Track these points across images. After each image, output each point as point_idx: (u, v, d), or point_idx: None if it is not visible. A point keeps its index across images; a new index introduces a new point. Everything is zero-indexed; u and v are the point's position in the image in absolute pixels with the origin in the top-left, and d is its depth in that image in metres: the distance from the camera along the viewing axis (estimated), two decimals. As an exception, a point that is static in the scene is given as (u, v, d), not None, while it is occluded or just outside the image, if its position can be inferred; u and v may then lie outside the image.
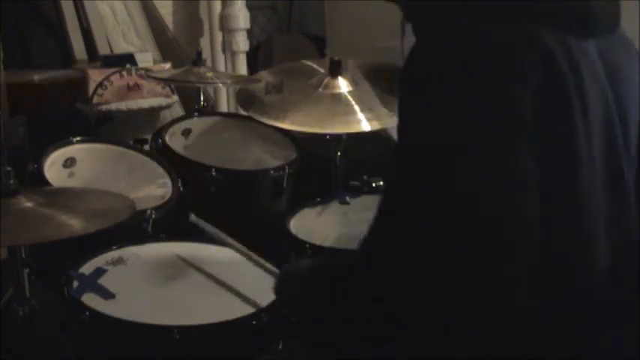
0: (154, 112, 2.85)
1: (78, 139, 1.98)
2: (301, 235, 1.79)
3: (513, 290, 0.83)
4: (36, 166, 1.80)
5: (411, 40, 1.06)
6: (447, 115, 0.86)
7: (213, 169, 2.01)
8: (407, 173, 0.91)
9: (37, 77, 2.73)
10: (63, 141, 1.94)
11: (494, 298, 0.83)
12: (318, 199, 2.00)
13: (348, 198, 2.01)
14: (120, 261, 1.58)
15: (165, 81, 2.66)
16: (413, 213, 0.89)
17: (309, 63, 2.26)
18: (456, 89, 0.86)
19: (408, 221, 0.89)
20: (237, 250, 1.53)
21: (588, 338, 0.89)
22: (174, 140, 2.16)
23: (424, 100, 0.88)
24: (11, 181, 1.39)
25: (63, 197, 1.54)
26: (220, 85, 2.95)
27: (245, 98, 2.20)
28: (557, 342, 0.87)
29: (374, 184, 2.00)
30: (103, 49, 2.94)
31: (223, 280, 1.55)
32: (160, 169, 1.98)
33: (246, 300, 1.46)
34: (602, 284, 0.90)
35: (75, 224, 1.35)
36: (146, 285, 1.52)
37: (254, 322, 1.40)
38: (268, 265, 1.46)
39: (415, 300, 0.89)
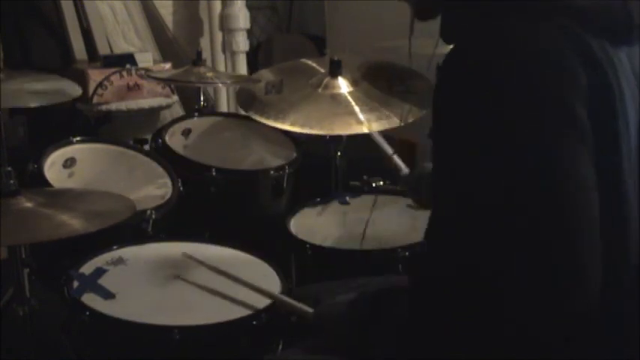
0: (154, 112, 2.85)
1: (78, 139, 1.98)
2: (301, 235, 1.79)
3: (595, 292, 0.84)
4: (36, 166, 1.80)
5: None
6: (511, 119, 0.85)
7: (213, 169, 2.01)
8: (466, 186, 0.88)
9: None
10: (63, 141, 1.94)
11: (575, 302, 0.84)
12: (318, 199, 2.00)
13: (348, 198, 2.01)
14: (120, 261, 1.58)
15: (165, 81, 2.66)
16: (481, 230, 0.86)
17: (309, 62, 2.26)
18: (515, 91, 0.85)
19: (478, 240, 0.87)
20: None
21: (598, 338, 0.89)
22: (174, 140, 2.16)
23: (475, 108, 0.87)
24: (11, 181, 1.39)
25: (63, 198, 1.54)
26: (220, 85, 2.96)
27: (245, 98, 2.20)
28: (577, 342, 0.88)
29: (374, 184, 2.00)
30: (103, 49, 2.94)
31: (223, 280, 1.55)
32: (160, 169, 1.98)
33: (246, 300, 1.45)
34: (632, 284, 0.90)
35: (75, 224, 1.35)
36: (146, 285, 1.51)
37: (254, 322, 1.40)
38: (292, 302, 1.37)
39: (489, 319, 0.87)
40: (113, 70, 2.69)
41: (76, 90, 2.22)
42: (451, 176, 0.91)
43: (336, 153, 2.15)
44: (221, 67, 3.29)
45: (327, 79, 2.10)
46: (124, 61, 2.74)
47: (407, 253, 1.66)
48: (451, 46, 0.94)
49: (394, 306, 1.04)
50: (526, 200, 0.84)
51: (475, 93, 0.87)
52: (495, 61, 0.87)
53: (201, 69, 2.31)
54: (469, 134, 0.88)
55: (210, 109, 2.82)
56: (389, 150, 1.63)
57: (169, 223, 1.83)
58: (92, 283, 1.47)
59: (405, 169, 1.65)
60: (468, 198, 0.88)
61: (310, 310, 1.28)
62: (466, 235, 0.88)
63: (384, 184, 1.98)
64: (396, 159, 1.65)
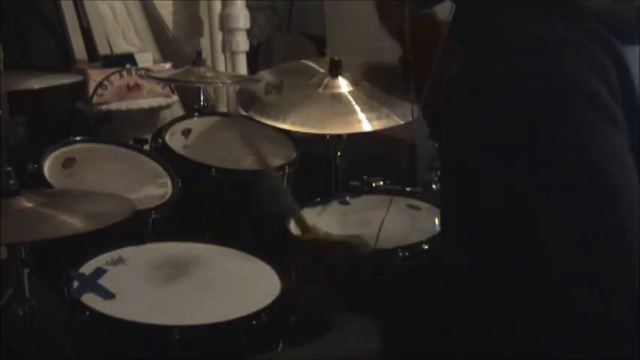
0: (154, 112, 2.85)
1: (78, 139, 1.98)
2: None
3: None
4: (36, 166, 1.80)
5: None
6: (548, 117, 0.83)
7: (213, 169, 2.01)
8: (506, 187, 0.85)
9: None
10: (63, 141, 1.94)
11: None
12: (318, 199, 2.00)
13: (348, 198, 2.01)
14: (120, 261, 1.58)
15: (165, 81, 2.66)
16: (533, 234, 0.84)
17: (309, 63, 2.26)
18: (549, 89, 0.84)
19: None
20: None
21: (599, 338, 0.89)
22: (174, 140, 2.16)
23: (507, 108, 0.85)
24: (11, 182, 1.39)
25: (63, 199, 1.54)
26: (220, 85, 2.95)
27: (245, 98, 2.20)
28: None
29: (374, 184, 2.00)
30: (103, 49, 2.94)
31: (223, 280, 1.56)
32: (160, 169, 1.98)
33: (246, 300, 1.45)
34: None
35: (75, 223, 1.35)
36: (146, 285, 1.51)
37: (254, 322, 1.40)
38: None
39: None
40: (113, 70, 2.69)
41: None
42: (473, 176, 0.89)
43: (336, 153, 2.15)
44: (221, 67, 3.28)
45: (327, 79, 2.10)
46: (124, 61, 2.74)
47: (407, 253, 1.66)
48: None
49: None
50: (577, 201, 0.82)
51: (508, 93, 0.86)
52: (523, 61, 0.86)
53: (201, 69, 2.31)
54: (507, 135, 0.85)
55: (210, 109, 2.81)
56: None
57: (169, 223, 1.83)
58: (92, 283, 1.47)
59: None
60: (508, 199, 0.85)
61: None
62: (506, 235, 0.86)
63: (384, 184, 1.98)
64: None
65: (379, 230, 1.31)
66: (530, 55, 0.86)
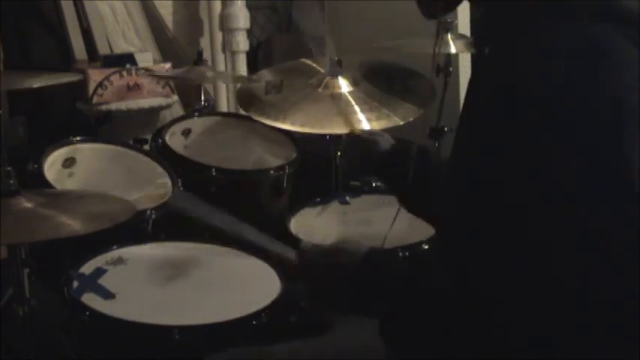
0: (154, 112, 2.85)
1: (78, 139, 1.98)
2: (301, 235, 1.79)
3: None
4: (36, 166, 1.80)
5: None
6: (573, 119, 0.82)
7: (213, 169, 2.01)
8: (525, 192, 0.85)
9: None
10: (63, 141, 1.94)
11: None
12: (318, 199, 2.00)
13: (348, 198, 2.01)
14: (120, 261, 1.58)
15: (166, 78, 2.66)
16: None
17: (309, 62, 2.26)
18: (574, 93, 0.83)
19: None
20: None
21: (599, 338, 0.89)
22: (174, 140, 2.16)
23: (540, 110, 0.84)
24: (11, 182, 1.39)
25: (63, 199, 1.54)
26: (220, 84, 2.96)
27: (245, 98, 2.20)
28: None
29: (374, 184, 2.00)
30: (103, 49, 2.94)
31: (223, 280, 1.56)
32: (160, 169, 1.98)
33: (246, 300, 1.45)
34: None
35: (74, 224, 1.35)
36: (146, 285, 1.52)
37: (254, 322, 1.40)
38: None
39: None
40: (113, 70, 2.69)
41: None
42: (492, 181, 0.88)
43: (336, 153, 2.15)
44: (221, 67, 3.28)
45: (327, 79, 2.10)
46: (124, 61, 2.74)
47: (407, 253, 1.66)
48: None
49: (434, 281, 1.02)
50: (596, 204, 0.82)
51: (537, 94, 0.85)
52: (551, 64, 0.85)
53: (202, 69, 2.31)
54: (527, 137, 0.85)
55: (210, 109, 2.81)
56: None
57: (169, 223, 1.83)
58: (92, 283, 1.47)
59: None
60: (523, 205, 0.84)
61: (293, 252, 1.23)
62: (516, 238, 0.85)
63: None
64: None
65: (389, 228, 1.33)
66: (564, 63, 0.85)
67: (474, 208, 0.89)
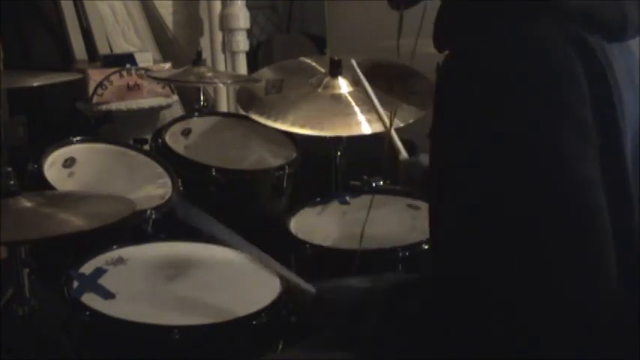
0: (154, 112, 2.85)
1: (78, 139, 1.98)
2: (301, 235, 1.79)
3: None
4: (36, 166, 1.80)
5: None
6: (516, 121, 0.84)
7: (213, 169, 2.01)
8: (471, 189, 0.87)
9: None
10: (63, 141, 1.94)
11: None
12: (318, 199, 1.99)
13: (348, 198, 2.01)
14: (120, 261, 1.58)
15: (165, 81, 2.66)
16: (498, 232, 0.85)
17: (309, 62, 2.26)
18: (517, 93, 0.85)
19: (495, 239, 0.86)
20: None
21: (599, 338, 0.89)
22: (174, 140, 2.16)
23: (481, 109, 0.86)
24: (11, 182, 1.39)
25: (63, 199, 1.54)
26: (220, 84, 2.95)
27: (245, 98, 2.20)
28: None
29: (374, 184, 2.00)
30: (103, 49, 2.94)
31: (223, 280, 1.56)
32: (160, 169, 1.98)
33: (246, 300, 1.45)
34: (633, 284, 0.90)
35: (74, 223, 1.35)
36: (146, 285, 1.51)
37: (254, 322, 1.40)
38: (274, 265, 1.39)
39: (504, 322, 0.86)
40: (113, 70, 2.69)
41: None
42: (452, 179, 0.90)
43: (336, 153, 2.15)
44: (221, 67, 3.28)
45: (327, 79, 2.10)
46: (124, 61, 2.74)
47: (407, 253, 1.66)
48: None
49: (409, 304, 1.03)
50: (537, 204, 0.83)
51: (477, 95, 0.87)
52: (496, 63, 0.87)
53: (201, 69, 2.31)
54: (473, 136, 0.87)
55: (210, 109, 2.82)
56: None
57: (169, 223, 1.83)
58: (92, 283, 1.47)
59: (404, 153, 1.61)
60: (474, 200, 0.86)
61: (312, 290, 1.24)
62: (474, 239, 0.87)
63: (384, 184, 1.98)
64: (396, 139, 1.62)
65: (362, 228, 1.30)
66: (503, 59, 0.87)
67: (452, 210, 0.90)
